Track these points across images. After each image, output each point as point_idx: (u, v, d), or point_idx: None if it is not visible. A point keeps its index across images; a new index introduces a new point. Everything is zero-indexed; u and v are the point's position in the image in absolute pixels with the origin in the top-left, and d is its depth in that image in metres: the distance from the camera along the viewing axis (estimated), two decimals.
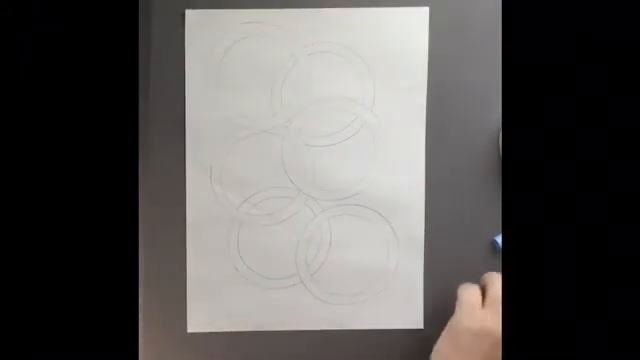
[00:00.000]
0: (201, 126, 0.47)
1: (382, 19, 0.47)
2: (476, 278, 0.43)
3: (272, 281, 0.48)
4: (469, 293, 0.41)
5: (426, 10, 0.47)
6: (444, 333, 0.41)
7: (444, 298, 0.47)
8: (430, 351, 0.42)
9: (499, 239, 0.47)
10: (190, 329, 0.47)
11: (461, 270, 0.44)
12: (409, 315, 0.48)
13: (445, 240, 0.47)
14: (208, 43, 0.47)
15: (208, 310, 0.47)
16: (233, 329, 0.47)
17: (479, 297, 0.41)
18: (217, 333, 0.47)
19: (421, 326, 0.48)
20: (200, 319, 0.47)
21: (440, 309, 0.47)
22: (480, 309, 0.40)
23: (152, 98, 0.47)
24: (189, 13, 0.47)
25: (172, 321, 0.47)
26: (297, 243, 0.48)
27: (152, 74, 0.47)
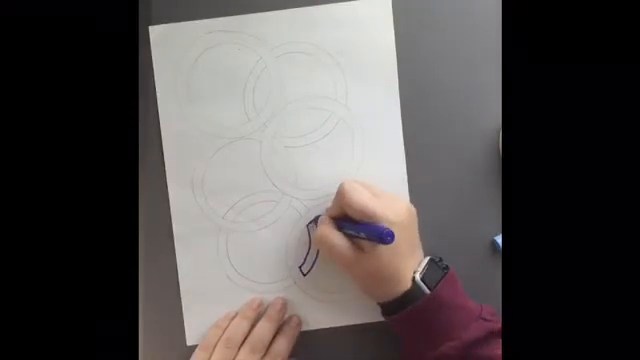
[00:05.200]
0: (177, 140, 0.47)
1: (345, 13, 0.47)
2: (476, 278, 0.43)
3: (266, 285, 0.48)
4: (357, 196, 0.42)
5: (388, 0, 0.47)
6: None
7: None
8: None
9: (499, 239, 0.47)
10: (189, 342, 0.48)
11: (461, 270, 0.44)
12: None
13: (445, 240, 0.47)
14: (175, 57, 0.47)
15: (205, 321, 0.47)
16: None
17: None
18: None
19: None
20: (198, 331, 0.47)
21: None
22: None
23: None
24: (153, 29, 0.47)
25: (171, 335, 0.48)
26: (286, 245, 0.48)
27: None
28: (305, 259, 0.48)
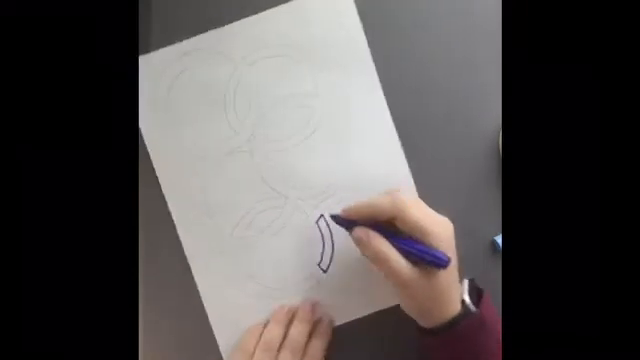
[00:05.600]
0: (169, 166, 0.47)
1: (309, 9, 0.47)
2: (476, 278, 0.43)
3: (289, 290, 0.48)
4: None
5: None
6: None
7: None
8: None
9: (499, 239, 0.47)
10: None
11: (461, 270, 0.44)
12: None
13: None
14: (150, 87, 0.47)
15: (238, 338, 0.47)
16: None
17: None
18: None
19: None
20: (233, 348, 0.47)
21: None
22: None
23: None
24: None
25: (171, 336, 0.48)
26: (300, 247, 0.48)
27: None
28: (322, 256, 0.48)
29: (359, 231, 0.41)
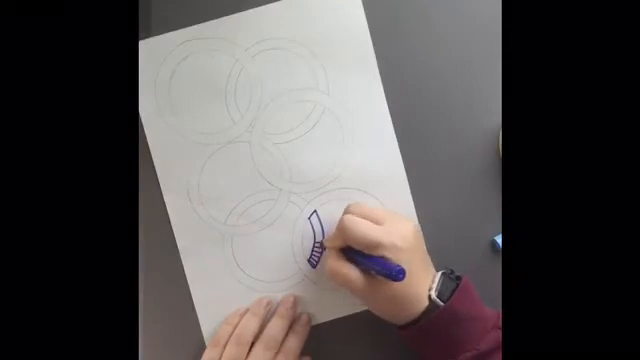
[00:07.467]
0: (167, 153, 0.47)
1: (315, 5, 0.47)
2: (476, 278, 0.43)
3: (278, 284, 0.48)
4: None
5: None
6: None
7: None
8: None
9: (499, 239, 0.47)
10: None
11: (461, 270, 0.44)
12: None
13: (445, 240, 0.47)
14: (152, 72, 0.47)
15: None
16: None
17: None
18: None
19: None
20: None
21: None
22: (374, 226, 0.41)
23: None
24: None
25: (171, 336, 0.47)
26: (291, 241, 0.48)
27: None
28: (312, 252, 0.47)
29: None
